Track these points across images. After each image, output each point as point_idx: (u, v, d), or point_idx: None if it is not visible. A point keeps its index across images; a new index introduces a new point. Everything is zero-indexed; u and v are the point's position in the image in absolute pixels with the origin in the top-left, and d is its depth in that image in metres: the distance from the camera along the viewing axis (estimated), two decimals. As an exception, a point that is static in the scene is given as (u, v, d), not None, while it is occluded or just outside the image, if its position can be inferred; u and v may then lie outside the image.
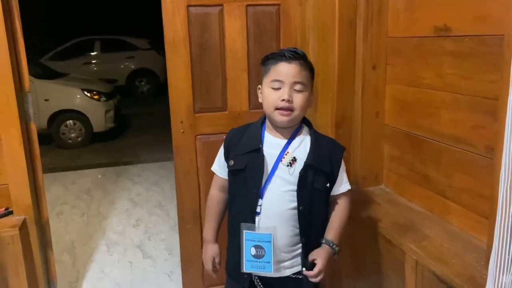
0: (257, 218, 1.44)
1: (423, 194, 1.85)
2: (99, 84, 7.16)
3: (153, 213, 3.85)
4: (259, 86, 1.49)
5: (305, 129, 1.51)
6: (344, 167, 1.54)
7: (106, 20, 11.87)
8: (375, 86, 2.04)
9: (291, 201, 1.43)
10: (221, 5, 2.10)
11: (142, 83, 10.65)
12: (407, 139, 1.92)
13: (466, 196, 1.60)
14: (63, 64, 9.06)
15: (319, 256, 1.45)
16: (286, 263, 1.48)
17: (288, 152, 1.44)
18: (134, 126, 7.75)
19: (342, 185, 1.53)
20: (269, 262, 1.41)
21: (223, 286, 2.36)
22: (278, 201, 1.44)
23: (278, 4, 2.16)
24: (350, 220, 1.99)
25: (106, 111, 6.48)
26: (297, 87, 1.39)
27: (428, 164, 1.81)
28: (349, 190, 1.56)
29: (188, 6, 2.06)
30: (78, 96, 6.35)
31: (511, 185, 1.11)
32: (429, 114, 1.77)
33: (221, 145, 2.24)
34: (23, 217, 2.01)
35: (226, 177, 1.57)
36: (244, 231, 1.42)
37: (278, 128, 1.47)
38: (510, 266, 1.15)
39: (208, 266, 1.58)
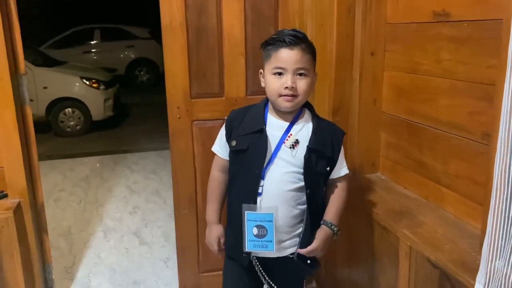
0: (258, 199, 1.45)
1: (419, 181, 1.84)
2: (98, 72, 7.14)
3: (150, 201, 3.85)
4: (261, 70, 1.49)
5: (307, 112, 1.52)
6: (343, 151, 1.55)
7: (106, 8, 11.79)
8: (373, 72, 2.02)
9: (292, 183, 1.45)
10: (219, -11, 2.08)
11: (142, 73, 10.63)
12: (404, 126, 1.91)
13: (462, 183, 1.59)
14: (63, 52, 9.00)
15: (317, 237, 1.48)
16: (285, 243, 1.49)
17: (291, 134, 1.45)
18: (133, 115, 7.74)
19: (342, 168, 1.55)
20: (271, 241, 1.42)
21: (219, 272, 2.38)
22: (279, 182, 1.44)
23: (277, -11, 2.14)
24: (345, 206, 2.00)
25: (105, 100, 6.47)
26: (300, 72, 1.39)
27: (424, 151, 1.80)
28: (347, 174, 1.57)
29: (185, -11, 2.04)
30: (77, 84, 6.33)
31: (506, 169, 1.10)
32: (427, 100, 1.76)
33: (218, 131, 2.24)
34: (17, 200, 2.01)
35: (227, 158, 1.57)
36: (245, 211, 1.43)
37: (281, 111, 1.47)
38: (503, 251, 1.14)
39: (214, 247, 1.59)
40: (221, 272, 2.25)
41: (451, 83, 1.62)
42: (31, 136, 2.10)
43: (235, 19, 2.12)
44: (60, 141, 6.06)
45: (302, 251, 1.46)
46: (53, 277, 2.29)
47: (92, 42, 10.35)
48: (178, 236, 2.33)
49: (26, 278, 2.01)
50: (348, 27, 1.99)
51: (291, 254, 1.50)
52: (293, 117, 1.47)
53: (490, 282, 1.16)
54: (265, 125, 1.46)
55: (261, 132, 1.45)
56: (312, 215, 1.49)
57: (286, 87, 1.37)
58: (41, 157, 4.70)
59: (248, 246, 1.44)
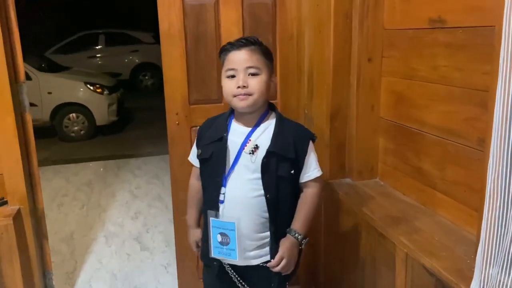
0: (221, 206, 1.45)
1: (416, 187, 1.84)
2: (102, 77, 7.19)
3: (152, 206, 3.86)
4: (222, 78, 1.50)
5: (272, 115, 1.50)
6: (313, 153, 1.51)
7: (110, 14, 11.86)
8: (370, 78, 2.02)
9: (256, 189, 1.43)
10: (217, -4, 2.09)
11: (146, 77, 10.67)
12: (402, 132, 1.91)
13: (458, 189, 1.59)
14: (68, 57, 9.08)
15: (281, 245, 1.44)
16: (253, 252, 1.47)
17: (250, 140, 1.44)
18: (137, 120, 7.77)
19: (310, 172, 1.50)
20: (234, 250, 1.43)
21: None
22: (241, 189, 1.44)
23: (274, -4, 2.15)
24: (343, 213, 2.00)
25: (109, 105, 6.50)
26: (251, 71, 1.39)
27: (421, 157, 1.80)
28: (318, 177, 1.52)
29: (184, -3, 2.06)
30: (81, 89, 6.37)
31: (498, 176, 1.10)
32: (423, 106, 1.76)
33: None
34: (17, 207, 2.02)
35: None
36: (210, 218, 1.45)
37: (244, 116, 1.46)
38: (497, 258, 1.14)
39: (193, 249, 1.65)
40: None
41: (448, 89, 1.61)
42: (31, 143, 2.12)
43: (233, 26, 2.13)
44: (64, 146, 6.10)
45: (270, 264, 1.43)
46: (54, 284, 2.30)
47: (97, 47, 10.43)
48: (177, 242, 2.34)
49: (26, 285, 2.02)
50: (345, 33, 2.00)
51: (263, 263, 1.47)
52: (257, 121, 1.47)
53: (484, 290, 1.15)
54: (227, 132, 1.47)
55: (221, 140, 1.46)
56: (276, 221, 1.45)
57: (238, 87, 1.38)
58: (45, 162, 4.76)
59: (213, 252, 1.46)
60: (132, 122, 7.61)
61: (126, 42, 10.47)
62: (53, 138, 6.30)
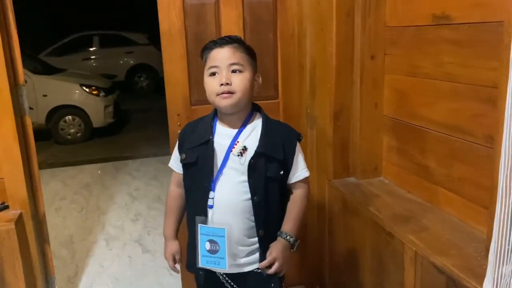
0: (210, 212, 1.40)
1: (422, 185, 1.83)
2: (98, 79, 7.15)
3: (152, 208, 3.84)
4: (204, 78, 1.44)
5: (257, 116, 1.46)
6: (301, 154, 1.48)
7: (104, 15, 11.80)
8: (373, 76, 2.01)
9: (245, 192, 1.38)
10: (217, -5, 2.07)
11: (142, 79, 10.66)
12: (406, 130, 1.90)
13: (466, 187, 1.58)
14: (62, 59, 9.02)
15: (272, 248, 1.40)
16: (244, 259, 1.43)
17: (238, 142, 1.39)
18: (133, 121, 7.74)
19: (298, 172, 1.46)
20: (223, 258, 1.36)
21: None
22: (230, 193, 1.39)
23: (275, -6, 2.13)
24: (348, 212, 1.99)
25: (106, 107, 6.46)
26: (234, 68, 1.34)
27: (427, 155, 1.79)
28: (307, 177, 1.49)
29: (184, -4, 2.04)
30: (77, 91, 6.33)
31: (510, 174, 1.09)
32: (428, 104, 1.75)
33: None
34: (19, 211, 1.99)
35: (182, 172, 1.51)
36: (198, 224, 1.38)
37: (228, 117, 1.41)
38: (510, 256, 1.13)
39: (169, 263, 1.54)
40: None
41: (453, 86, 1.60)
42: (31, 147, 2.09)
43: (234, 25, 2.11)
44: (61, 149, 6.05)
45: (261, 264, 1.38)
46: (56, 288, 2.28)
47: (91, 49, 10.38)
48: (181, 244, 2.31)
49: (28, 290, 2.00)
50: (347, 31, 1.98)
51: (256, 269, 1.43)
52: (242, 122, 1.42)
53: (498, 287, 1.14)
54: (213, 135, 1.41)
55: (208, 143, 1.40)
56: (265, 225, 1.41)
57: (221, 84, 1.33)
58: (42, 165, 4.70)
59: (201, 262, 1.39)
60: (129, 124, 7.58)
61: (121, 43, 10.43)
62: (49, 141, 6.25)
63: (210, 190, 1.39)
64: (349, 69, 2.03)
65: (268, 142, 1.39)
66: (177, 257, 1.53)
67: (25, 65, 2.04)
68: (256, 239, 1.42)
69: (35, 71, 6.21)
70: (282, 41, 2.18)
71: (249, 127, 1.42)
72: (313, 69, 2.17)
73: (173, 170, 1.56)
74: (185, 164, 1.46)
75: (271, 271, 1.38)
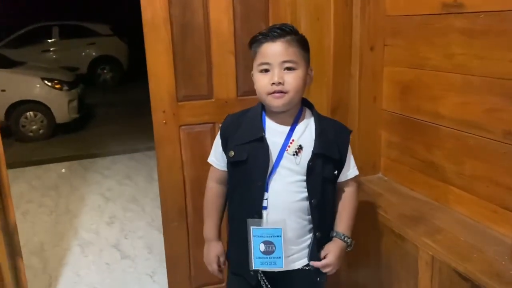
0: (264, 213, 1.32)
1: (428, 182, 1.75)
2: (60, 72, 6.79)
3: (128, 209, 3.63)
4: (252, 72, 1.36)
5: (308, 112, 1.40)
6: (351, 151, 1.43)
7: (64, 4, 11.27)
8: (373, 68, 1.91)
9: (299, 192, 1.33)
10: (204, -19, 1.91)
11: (105, 71, 10.22)
12: (408, 125, 1.81)
13: (480, 185, 1.50)
14: (19, 52, 8.50)
15: (331, 251, 1.37)
16: (294, 256, 1.37)
17: (293, 140, 1.32)
18: (99, 116, 7.38)
19: (350, 170, 1.43)
20: (280, 257, 1.32)
21: (212, 286, 2.23)
22: (284, 193, 1.33)
23: (267, -19, 1.99)
24: (356, 212, 1.88)
25: (69, 101, 6.14)
26: (287, 65, 1.26)
27: (433, 151, 1.70)
28: (357, 176, 1.46)
29: (168, -18, 1.86)
30: (38, 85, 5.98)
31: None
32: (435, 97, 1.66)
33: (207, 136, 2.08)
34: (-14, 223, 1.79)
35: (224, 169, 1.43)
36: (251, 227, 1.31)
37: (279, 114, 1.34)
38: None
39: (213, 266, 1.45)
40: (215, 286, 2.12)
41: (465, 79, 1.52)
42: (-2, 149, 1.87)
43: (223, 14, 1.96)
44: (23, 147, 5.69)
45: (317, 264, 1.35)
46: (30, 304, 2.08)
47: (50, 41, 9.87)
48: (167, 251, 2.16)
49: (0, 310, 1.79)
50: (345, 21, 1.87)
51: (305, 265, 1.38)
52: (293, 120, 1.35)
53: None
54: (264, 131, 1.33)
55: (261, 141, 1.32)
56: (321, 225, 1.37)
57: (273, 83, 1.26)
58: (4, 167, 4.38)
59: (255, 264, 1.33)
60: (94, 119, 7.22)
61: (82, 34, 9.96)
62: (9, 139, 5.85)
63: (265, 190, 1.32)
64: (347, 61, 1.91)
65: (325, 142, 1.33)
66: (221, 259, 1.46)
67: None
68: (305, 237, 1.37)
69: (-9, 65, 5.82)
70: (274, 31, 2.04)
71: (301, 125, 1.35)
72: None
73: (212, 166, 1.47)
74: (233, 162, 1.37)
75: (327, 270, 1.37)
